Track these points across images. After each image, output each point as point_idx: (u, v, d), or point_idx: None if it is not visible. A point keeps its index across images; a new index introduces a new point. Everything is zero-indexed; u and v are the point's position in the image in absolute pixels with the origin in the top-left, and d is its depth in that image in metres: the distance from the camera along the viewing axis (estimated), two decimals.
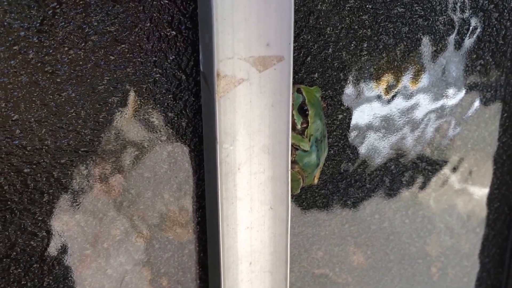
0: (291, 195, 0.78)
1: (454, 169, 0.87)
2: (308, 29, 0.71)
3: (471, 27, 0.80)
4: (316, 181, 0.75)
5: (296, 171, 0.68)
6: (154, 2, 0.64)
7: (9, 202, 0.66)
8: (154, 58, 0.67)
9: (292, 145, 0.68)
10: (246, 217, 0.67)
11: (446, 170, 0.87)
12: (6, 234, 0.68)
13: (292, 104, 0.66)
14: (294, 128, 0.67)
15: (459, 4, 0.77)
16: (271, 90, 0.61)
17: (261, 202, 0.66)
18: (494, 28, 0.82)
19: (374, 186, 0.84)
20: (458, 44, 0.80)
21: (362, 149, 0.81)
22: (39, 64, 0.62)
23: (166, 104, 0.69)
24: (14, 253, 0.69)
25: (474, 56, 0.82)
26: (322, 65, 0.74)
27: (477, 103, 0.85)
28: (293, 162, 0.68)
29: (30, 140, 0.65)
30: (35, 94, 0.63)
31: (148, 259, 0.76)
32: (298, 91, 0.66)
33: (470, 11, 0.78)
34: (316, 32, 0.72)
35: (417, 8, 0.76)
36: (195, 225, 0.76)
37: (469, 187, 0.90)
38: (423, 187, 0.87)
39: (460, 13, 0.78)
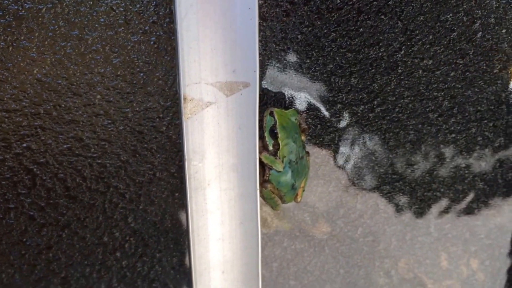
0: (275, 211, 0.80)
1: (457, 199, 0.84)
2: (295, 51, 0.73)
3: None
4: (299, 199, 0.77)
5: (269, 190, 0.71)
6: (141, 25, 0.70)
7: (20, 196, 0.76)
8: (143, 75, 0.72)
9: (266, 165, 0.70)
10: (217, 229, 0.71)
11: (448, 198, 0.84)
12: (18, 223, 0.78)
13: (265, 127, 0.69)
14: (268, 149, 0.69)
15: None
16: (238, 114, 0.65)
17: (231, 217, 0.70)
18: None
19: (366, 207, 0.84)
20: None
21: (353, 171, 0.81)
22: (43, 79, 0.70)
23: (155, 117, 0.75)
24: (25, 238, 0.79)
25: None
26: (308, 87, 0.75)
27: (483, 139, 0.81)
28: (267, 181, 0.71)
29: (36, 144, 0.74)
30: (40, 104, 0.72)
31: (140, 256, 0.83)
32: (271, 114, 0.68)
33: None
34: (303, 55, 0.73)
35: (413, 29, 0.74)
36: (180, 233, 0.82)
37: (475, 217, 0.86)
38: (421, 212, 0.85)
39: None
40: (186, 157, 0.66)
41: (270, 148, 0.69)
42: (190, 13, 0.59)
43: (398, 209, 0.84)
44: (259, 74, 0.67)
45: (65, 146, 0.75)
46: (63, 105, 0.73)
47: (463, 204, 0.84)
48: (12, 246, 0.79)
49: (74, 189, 0.78)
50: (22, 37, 0.69)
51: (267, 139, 0.69)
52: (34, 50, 0.70)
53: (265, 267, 0.86)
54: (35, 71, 0.70)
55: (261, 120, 0.70)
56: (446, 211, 0.85)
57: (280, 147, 0.68)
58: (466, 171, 0.82)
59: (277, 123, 0.68)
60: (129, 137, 0.76)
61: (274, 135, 0.68)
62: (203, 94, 0.63)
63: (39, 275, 0.82)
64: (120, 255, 0.83)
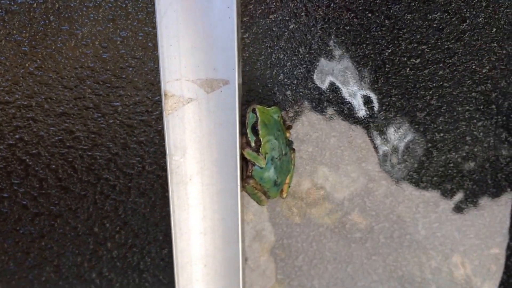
0: (261, 206, 0.81)
1: (445, 198, 0.84)
2: (281, 48, 0.73)
3: None
4: (284, 195, 0.78)
5: (251, 185, 0.72)
6: (129, 21, 0.71)
7: (13, 186, 0.79)
8: (132, 70, 0.74)
9: (249, 161, 0.71)
10: (199, 224, 0.72)
11: (436, 197, 0.84)
12: (12, 212, 0.81)
13: (247, 123, 0.70)
14: (250, 145, 0.70)
15: None
16: (219, 110, 0.66)
17: (213, 212, 0.71)
18: None
19: (353, 204, 0.84)
20: None
21: (340, 168, 0.81)
22: (35, 72, 0.72)
23: (144, 111, 0.76)
24: (19, 227, 0.82)
25: None
26: (295, 83, 0.76)
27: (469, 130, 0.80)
28: (250, 177, 0.72)
29: (28, 135, 0.76)
30: (32, 97, 0.74)
31: (130, 247, 0.85)
32: (253, 111, 0.69)
33: None
34: (290, 51, 0.74)
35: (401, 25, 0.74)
36: (169, 226, 0.83)
37: (464, 216, 0.86)
38: (409, 211, 0.85)
39: None
40: (167, 152, 0.67)
41: (252, 144, 0.70)
42: (170, 11, 0.60)
43: (385, 207, 0.84)
44: (241, 72, 0.68)
45: (56, 138, 0.77)
46: (54, 98, 0.75)
47: (451, 204, 0.84)
48: (6, 234, 0.82)
49: (66, 180, 0.80)
50: (14, 31, 0.71)
51: (249, 135, 0.69)
52: (26, 44, 0.72)
53: (252, 261, 0.87)
54: (27, 64, 0.73)
55: (244, 116, 0.71)
56: (434, 210, 0.84)
57: (262, 143, 0.69)
58: (455, 171, 0.82)
59: (259, 120, 0.68)
60: (118, 130, 0.77)
61: (256, 131, 0.69)
62: (184, 91, 0.64)
63: (33, 262, 0.85)
64: (111, 246, 0.85)
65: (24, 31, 0.71)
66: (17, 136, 0.76)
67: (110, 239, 0.84)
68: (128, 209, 0.82)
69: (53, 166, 0.79)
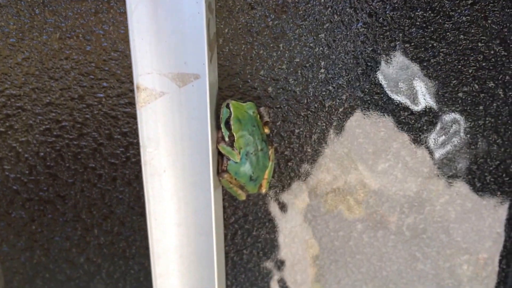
0: (240, 200, 0.82)
1: (431, 200, 0.82)
2: (262, 44, 0.73)
3: None
4: (263, 190, 0.78)
5: (226, 179, 0.72)
6: (111, 14, 0.73)
7: (5, 172, 0.82)
8: (115, 63, 0.76)
9: (224, 155, 0.72)
10: (174, 215, 0.73)
11: (421, 198, 0.82)
12: (4, 196, 0.84)
13: (221, 118, 0.70)
14: (225, 140, 0.71)
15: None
16: (191, 104, 0.66)
17: (187, 203, 0.72)
18: None
19: (336, 202, 0.83)
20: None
21: (322, 165, 0.81)
22: (23, 63, 0.75)
23: (127, 102, 0.78)
24: (11, 210, 0.85)
25: None
26: (275, 80, 0.75)
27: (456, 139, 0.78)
28: (225, 171, 0.73)
29: (18, 123, 0.79)
30: (20, 87, 0.77)
31: (116, 234, 0.87)
32: (227, 106, 0.69)
33: None
34: (270, 47, 0.74)
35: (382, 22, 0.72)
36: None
37: (451, 219, 0.84)
38: (393, 212, 0.83)
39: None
40: (141, 143, 0.68)
41: (226, 139, 0.70)
42: (141, 6, 0.61)
43: (369, 206, 0.83)
44: (216, 67, 0.68)
45: (44, 127, 0.80)
46: (41, 88, 0.77)
47: (437, 206, 0.82)
48: None
49: (54, 168, 0.82)
50: (2, 23, 0.73)
51: (223, 130, 0.70)
52: (13, 35, 0.74)
53: (236, 254, 0.88)
54: (15, 55, 0.75)
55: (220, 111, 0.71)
56: (419, 211, 0.83)
57: (235, 138, 0.70)
58: (441, 172, 0.80)
59: (232, 116, 0.69)
60: (103, 121, 0.79)
61: (229, 126, 0.69)
62: (156, 84, 0.65)
63: (24, 245, 0.88)
64: (98, 232, 0.87)
65: (12, 23, 0.73)
66: (7, 124, 0.79)
67: (97, 226, 0.87)
68: (114, 197, 0.85)
69: (42, 153, 0.81)
